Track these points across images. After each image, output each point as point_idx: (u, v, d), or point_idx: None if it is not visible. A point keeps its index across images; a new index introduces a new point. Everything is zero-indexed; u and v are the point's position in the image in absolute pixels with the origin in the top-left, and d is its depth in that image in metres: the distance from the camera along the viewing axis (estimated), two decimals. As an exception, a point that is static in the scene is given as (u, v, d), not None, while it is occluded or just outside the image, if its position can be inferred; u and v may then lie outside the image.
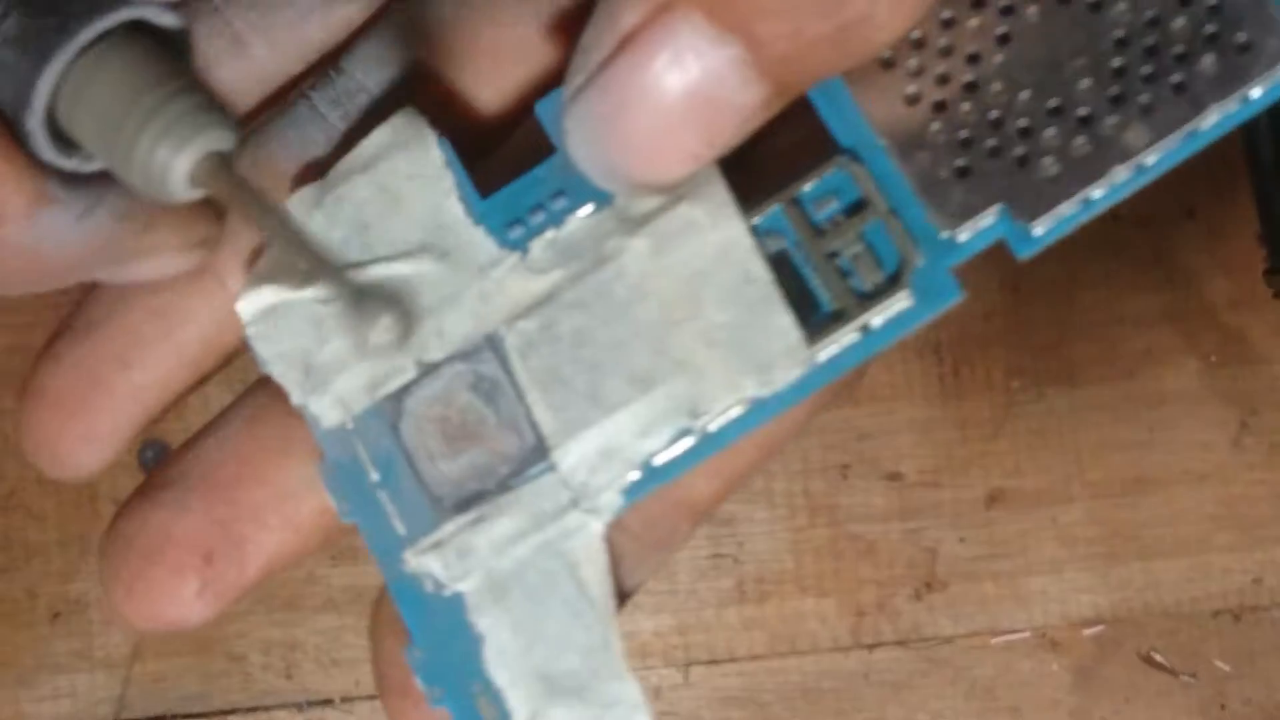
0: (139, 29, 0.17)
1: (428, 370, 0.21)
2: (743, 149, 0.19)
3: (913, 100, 0.20)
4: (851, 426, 0.48)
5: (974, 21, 0.20)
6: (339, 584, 0.47)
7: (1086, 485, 0.47)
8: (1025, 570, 0.47)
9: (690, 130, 0.18)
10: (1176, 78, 0.19)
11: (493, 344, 0.21)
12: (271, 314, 0.21)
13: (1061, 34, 0.20)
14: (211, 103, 0.17)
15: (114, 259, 0.20)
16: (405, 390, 0.21)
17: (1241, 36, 0.19)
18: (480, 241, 0.21)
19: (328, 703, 0.47)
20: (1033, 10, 0.20)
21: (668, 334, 0.20)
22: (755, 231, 0.20)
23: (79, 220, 0.18)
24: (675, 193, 0.20)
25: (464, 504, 0.21)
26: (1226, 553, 0.47)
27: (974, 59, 0.20)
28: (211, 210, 0.20)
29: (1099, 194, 0.20)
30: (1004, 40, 0.20)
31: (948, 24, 0.20)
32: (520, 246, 0.21)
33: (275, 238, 0.18)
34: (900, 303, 0.20)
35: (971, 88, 0.20)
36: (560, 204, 0.21)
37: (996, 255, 0.53)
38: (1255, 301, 0.48)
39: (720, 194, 0.20)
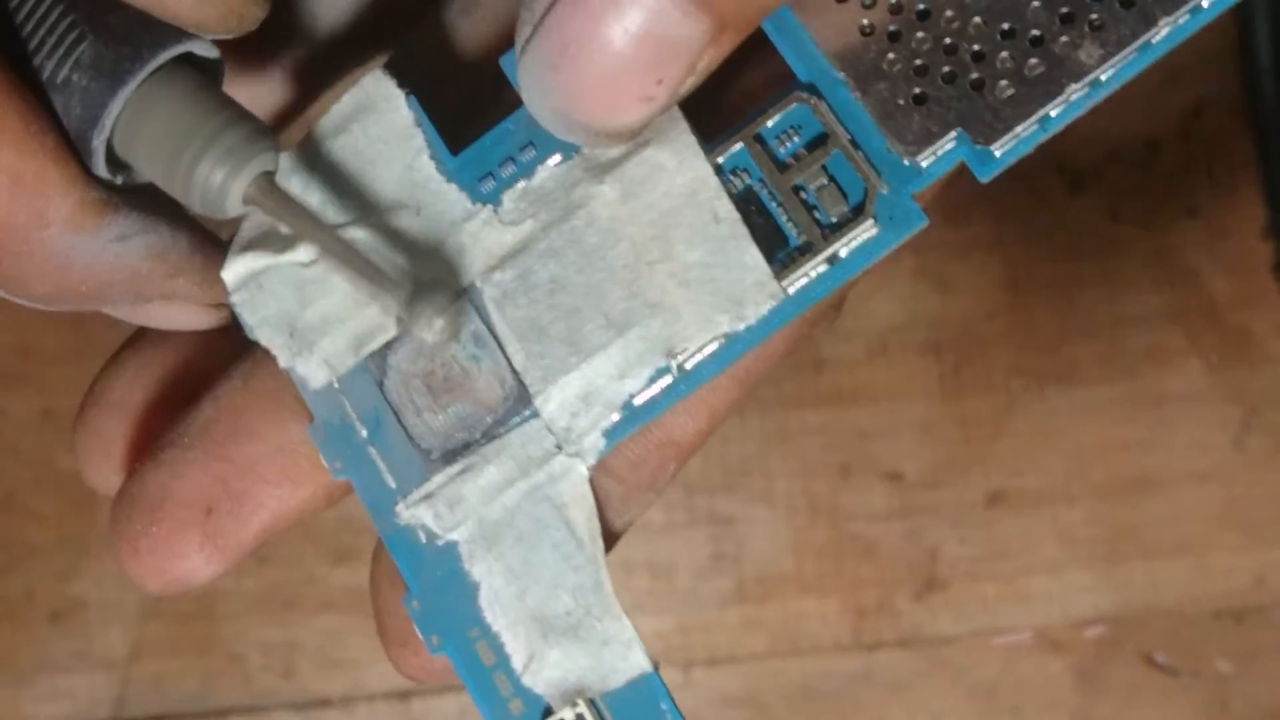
0: (183, 61, 0.19)
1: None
2: (712, 92, 0.19)
3: (867, 31, 0.20)
4: (851, 426, 0.48)
5: None
6: (339, 584, 0.47)
7: (1087, 485, 0.47)
8: (1026, 570, 0.47)
9: (638, 71, 0.18)
10: None
11: (471, 297, 0.21)
12: (255, 280, 0.22)
13: None
14: (259, 129, 0.19)
15: (136, 293, 0.21)
16: (389, 347, 0.21)
17: None
18: (453, 197, 0.21)
19: (327, 703, 0.47)
20: None
21: (640, 276, 0.21)
22: (720, 170, 0.21)
23: (113, 243, 0.20)
24: (640, 138, 0.20)
25: (452, 455, 0.21)
26: (1228, 553, 0.47)
27: None
28: None
29: (1056, 112, 0.20)
30: None
31: None
32: (492, 200, 0.21)
33: (320, 246, 0.20)
34: (866, 231, 0.20)
35: (924, 15, 0.20)
36: (529, 155, 0.21)
37: (997, 254, 0.52)
38: (1257, 300, 0.48)
39: (685, 136, 0.20)
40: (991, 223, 0.48)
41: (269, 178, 0.19)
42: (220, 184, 0.19)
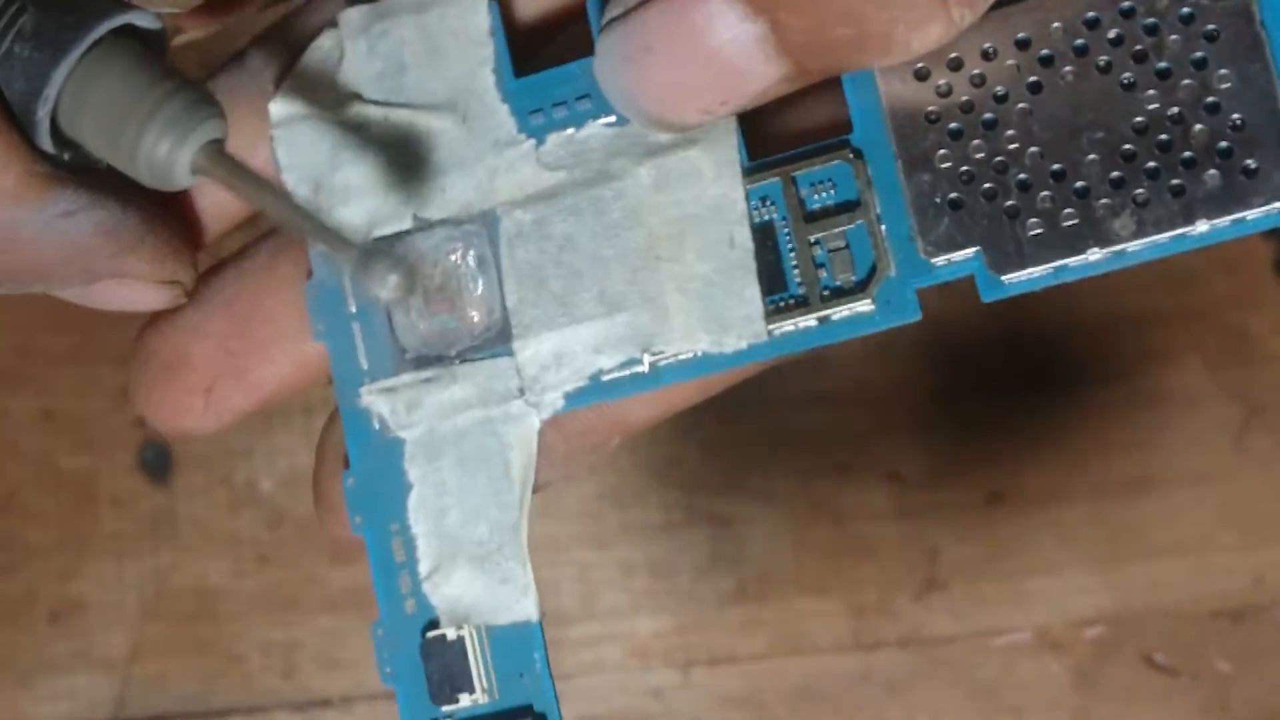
0: (124, 32, 0.19)
1: (423, 226, 0.22)
2: (769, 109, 0.20)
3: (933, 118, 0.21)
4: (851, 426, 0.48)
5: (1011, 61, 0.20)
6: (339, 584, 0.47)
7: (1087, 485, 0.47)
8: (1026, 570, 0.47)
9: (708, 89, 0.19)
10: (1177, 182, 0.20)
11: (488, 222, 0.22)
12: (299, 124, 0.22)
13: (1088, 102, 0.20)
14: (205, 96, 0.19)
15: (85, 271, 0.21)
16: (398, 238, 0.22)
17: (1252, 161, 0.20)
18: (503, 117, 0.22)
19: (327, 703, 0.47)
20: (1070, 69, 0.20)
21: (646, 266, 0.21)
22: (750, 196, 0.21)
23: (60, 218, 0.20)
24: (690, 134, 0.21)
25: (424, 361, 0.22)
26: (1228, 553, 0.47)
27: (1000, 99, 0.20)
28: (187, 254, 0.22)
29: (1072, 266, 0.20)
30: (1034, 89, 0.20)
31: (987, 56, 0.20)
32: (538, 135, 0.22)
33: (272, 212, 0.19)
34: (861, 307, 0.21)
35: (989, 125, 0.20)
36: (585, 106, 0.22)
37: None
38: (1257, 300, 0.48)
39: (730, 151, 0.21)
40: (991, 223, 0.48)
41: (218, 145, 0.19)
42: (166, 155, 0.19)
